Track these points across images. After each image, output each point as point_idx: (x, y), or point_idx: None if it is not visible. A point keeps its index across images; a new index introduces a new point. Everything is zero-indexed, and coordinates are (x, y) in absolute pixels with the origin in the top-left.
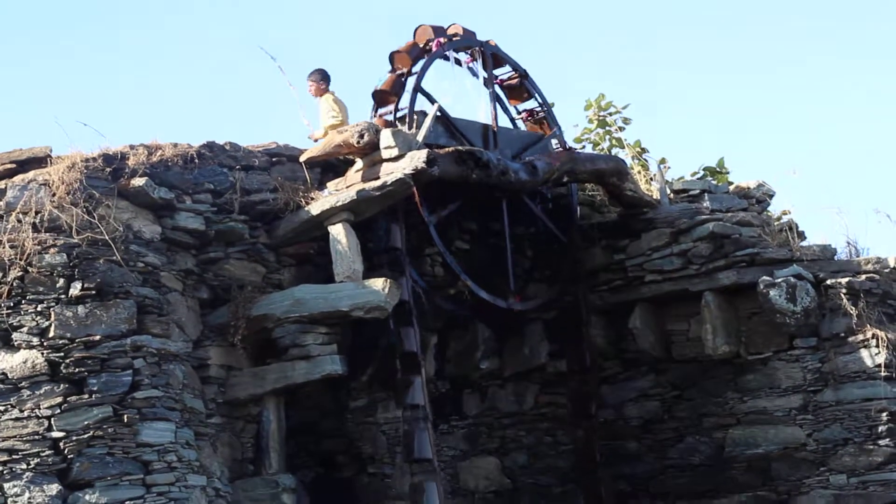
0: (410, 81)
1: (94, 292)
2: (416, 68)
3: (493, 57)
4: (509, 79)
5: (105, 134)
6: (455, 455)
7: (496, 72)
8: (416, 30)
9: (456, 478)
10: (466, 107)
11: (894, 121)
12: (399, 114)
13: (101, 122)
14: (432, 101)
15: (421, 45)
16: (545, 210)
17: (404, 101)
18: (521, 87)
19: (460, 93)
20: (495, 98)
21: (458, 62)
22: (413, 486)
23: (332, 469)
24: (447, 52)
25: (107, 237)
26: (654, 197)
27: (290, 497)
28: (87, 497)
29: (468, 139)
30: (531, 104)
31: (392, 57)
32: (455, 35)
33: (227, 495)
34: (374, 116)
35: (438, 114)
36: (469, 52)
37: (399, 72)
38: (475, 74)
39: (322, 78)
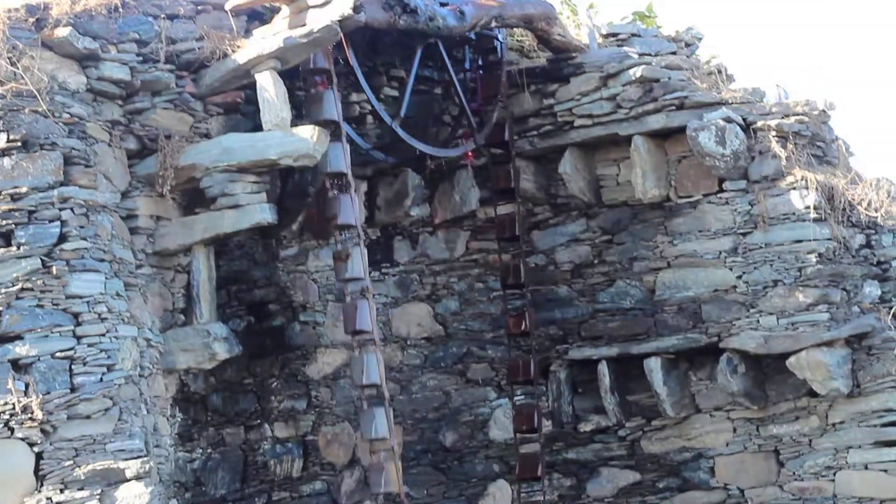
0: None
1: (19, 144)
2: None
3: None
4: None
5: None
6: (386, 302)
7: None
8: None
9: (388, 325)
10: None
11: None
12: None
13: None
14: None
15: None
16: (474, 56)
17: None
18: None
19: None
20: None
21: None
22: (354, 356)
23: (264, 318)
24: None
25: (32, 88)
26: (583, 42)
27: (221, 346)
28: (17, 349)
29: None
30: None
31: None
32: None
33: (158, 345)
34: None
35: None
36: None
37: None
38: None
39: None
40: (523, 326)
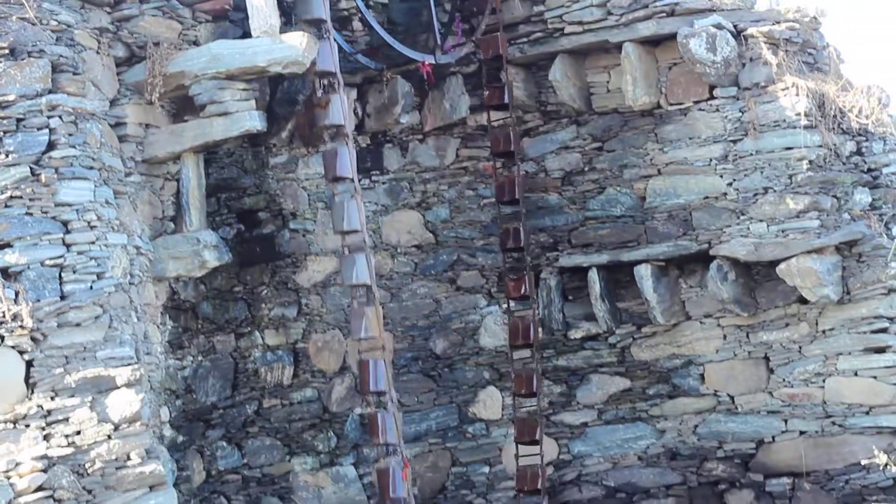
0: None
1: (6, 51)
2: None
3: None
4: None
5: None
6: (377, 210)
7: None
8: None
9: (378, 232)
10: None
11: None
12: None
13: None
14: None
15: None
16: None
17: None
18: None
19: None
20: None
21: None
22: (334, 202)
23: (254, 226)
24: None
25: None
26: None
27: (211, 253)
28: (6, 257)
29: None
30: None
31: None
32: None
33: (148, 253)
34: None
35: None
36: None
37: None
38: None
39: None
40: (522, 290)
